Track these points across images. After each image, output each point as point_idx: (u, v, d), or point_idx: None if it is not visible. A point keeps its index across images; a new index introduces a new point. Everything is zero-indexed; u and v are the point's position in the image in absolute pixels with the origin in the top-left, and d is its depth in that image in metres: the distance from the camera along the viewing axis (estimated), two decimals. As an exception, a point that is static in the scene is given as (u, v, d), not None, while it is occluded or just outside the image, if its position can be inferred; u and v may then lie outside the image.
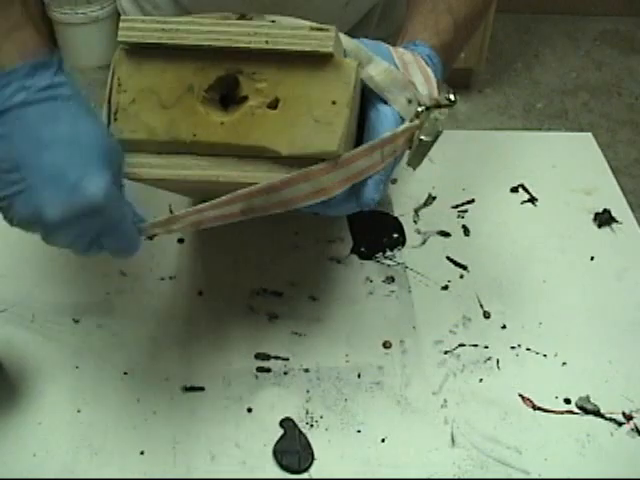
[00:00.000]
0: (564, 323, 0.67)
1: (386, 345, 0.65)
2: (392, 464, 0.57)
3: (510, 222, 0.78)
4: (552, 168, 0.86)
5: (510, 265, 0.73)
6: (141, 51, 0.52)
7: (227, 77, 0.52)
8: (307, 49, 0.50)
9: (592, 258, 0.74)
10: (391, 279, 0.71)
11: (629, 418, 0.60)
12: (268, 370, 0.63)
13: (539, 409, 0.61)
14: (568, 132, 0.99)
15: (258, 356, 0.64)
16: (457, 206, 0.80)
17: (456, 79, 2.35)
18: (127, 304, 0.68)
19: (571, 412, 0.61)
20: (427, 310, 0.68)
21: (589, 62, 2.62)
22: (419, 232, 0.76)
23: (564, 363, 0.64)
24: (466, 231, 0.77)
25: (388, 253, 0.74)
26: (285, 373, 0.62)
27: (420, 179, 0.82)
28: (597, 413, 0.60)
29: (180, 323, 0.66)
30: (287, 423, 0.59)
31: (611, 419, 0.60)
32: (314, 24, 0.51)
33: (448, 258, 0.74)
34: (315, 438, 0.58)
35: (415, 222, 0.78)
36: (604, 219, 0.78)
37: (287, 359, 0.64)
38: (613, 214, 0.78)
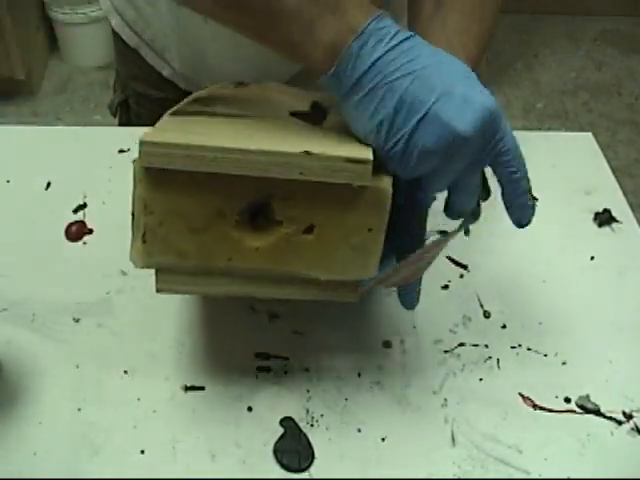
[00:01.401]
0: (564, 323, 0.67)
1: (386, 345, 0.65)
2: (392, 463, 0.57)
3: (510, 222, 0.78)
4: (552, 168, 0.86)
5: (510, 265, 0.73)
6: (164, 171, 0.49)
7: (259, 201, 0.50)
8: (343, 182, 0.48)
9: (592, 258, 0.74)
10: (391, 279, 0.71)
11: (629, 417, 0.60)
12: (268, 369, 0.63)
13: (539, 408, 0.61)
14: (568, 132, 0.99)
15: (258, 355, 0.64)
16: (457, 206, 0.80)
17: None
18: (127, 304, 0.68)
19: (571, 411, 0.61)
20: (427, 310, 0.68)
21: (589, 62, 2.62)
22: (419, 232, 0.76)
23: (564, 362, 0.64)
24: (466, 231, 0.77)
25: (388, 253, 0.74)
26: (285, 372, 0.63)
27: (420, 179, 0.82)
28: (597, 412, 0.60)
29: (180, 322, 0.66)
30: (287, 422, 0.59)
31: (611, 418, 0.60)
32: (350, 155, 0.48)
33: (448, 258, 0.74)
34: (315, 437, 0.58)
35: (415, 222, 0.78)
36: (604, 219, 0.78)
37: (287, 358, 0.64)
38: (613, 214, 0.78)
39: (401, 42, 0.49)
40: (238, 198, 0.50)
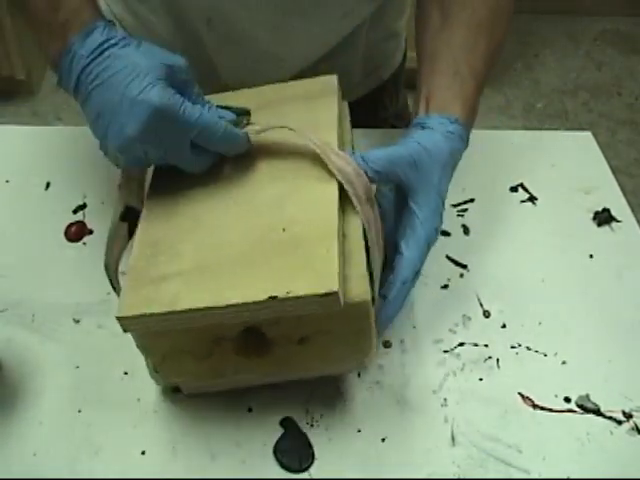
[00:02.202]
0: (564, 322, 0.67)
1: (386, 344, 0.65)
2: (392, 463, 0.57)
3: (510, 221, 0.78)
4: (552, 167, 0.86)
5: (510, 264, 0.73)
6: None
7: (250, 327, 0.52)
8: (315, 312, 0.49)
9: (591, 257, 0.74)
10: (391, 278, 0.71)
11: (629, 417, 0.60)
12: (268, 369, 0.63)
13: (539, 408, 0.61)
14: (568, 132, 0.99)
15: (258, 356, 0.64)
16: (457, 205, 0.80)
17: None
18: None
19: (571, 411, 0.61)
20: (427, 309, 0.68)
21: (589, 62, 2.62)
22: (419, 231, 0.76)
23: (564, 362, 0.64)
24: (466, 230, 0.77)
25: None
26: (285, 372, 0.63)
27: (420, 179, 0.82)
28: (597, 412, 0.60)
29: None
30: (287, 422, 0.59)
31: (611, 418, 0.60)
32: (317, 289, 0.47)
33: (448, 257, 0.74)
34: (315, 437, 0.58)
35: (415, 222, 0.78)
36: (603, 218, 0.78)
37: (287, 358, 0.64)
38: (612, 213, 0.78)
39: (102, 52, 0.55)
40: (228, 330, 0.52)
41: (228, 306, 0.48)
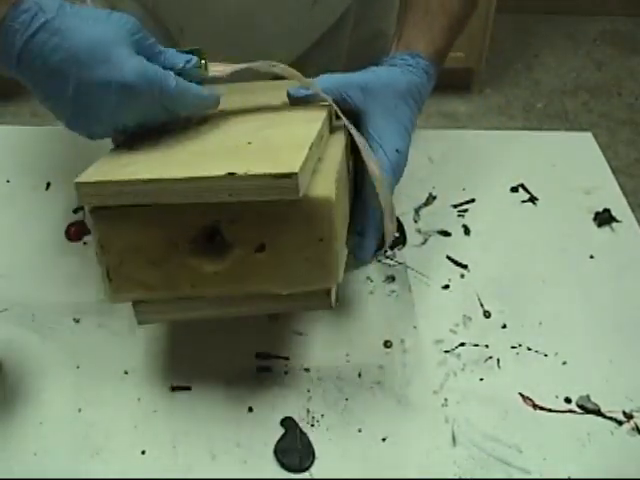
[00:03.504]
0: (564, 322, 0.67)
1: (387, 344, 0.65)
2: (393, 463, 0.57)
3: (510, 221, 0.78)
4: (552, 167, 0.86)
5: (510, 264, 0.73)
6: (110, 211, 0.50)
7: (208, 227, 0.50)
8: (273, 199, 0.46)
9: (592, 257, 0.74)
10: (391, 278, 0.71)
11: (629, 417, 0.60)
12: (269, 369, 0.63)
13: (539, 408, 0.61)
14: (568, 132, 0.99)
15: (259, 355, 0.64)
16: (457, 205, 0.80)
17: (456, 79, 2.35)
18: (127, 304, 0.67)
19: (571, 411, 0.61)
20: (428, 309, 0.68)
21: (589, 62, 2.62)
22: (419, 231, 0.77)
23: (564, 362, 0.64)
24: (466, 230, 0.77)
25: (388, 252, 0.74)
26: (286, 372, 0.63)
27: (420, 179, 0.82)
28: (597, 412, 0.60)
29: (180, 322, 0.66)
30: (288, 422, 0.59)
31: (611, 418, 0.60)
32: (276, 169, 0.45)
33: (448, 257, 0.74)
34: (316, 437, 0.58)
35: (415, 221, 0.78)
36: (604, 218, 0.78)
37: (288, 358, 0.64)
38: (613, 213, 0.79)
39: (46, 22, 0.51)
40: (186, 227, 0.50)
41: (186, 179, 0.46)
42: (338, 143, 0.58)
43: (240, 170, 0.46)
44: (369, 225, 0.58)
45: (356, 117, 0.62)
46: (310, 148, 0.49)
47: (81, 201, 0.49)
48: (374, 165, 0.54)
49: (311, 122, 0.55)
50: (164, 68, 0.52)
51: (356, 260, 0.59)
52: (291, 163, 0.46)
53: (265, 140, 0.52)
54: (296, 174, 0.45)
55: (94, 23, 0.51)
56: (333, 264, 0.51)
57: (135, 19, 0.53)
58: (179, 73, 0.53)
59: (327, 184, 0.50)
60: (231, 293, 0.53)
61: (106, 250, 0.51)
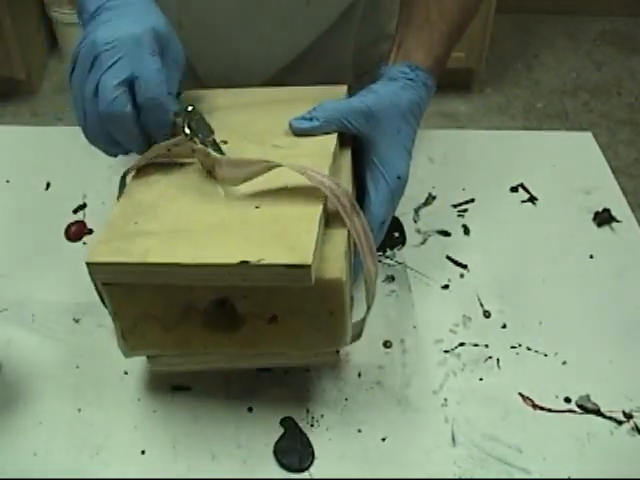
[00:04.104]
0: (564, 322, 0.67)
1: (386, 344, 0.65)
2: (392, 463, 0.57)
3: (510, 221, 0.78)
4: (552, 167, 0.86)
5: (510, 264, 0.73)
6: (123, 285, 0.51)
7: (219, 300, 0.51)
8: (285, 284, 0.47)
9: (592, 257, 0.74)
10: (391, 278, 0.71)
11: (629, 417, 0.60)
12: (269, 369, 0.63)
13: (539, 408, 0.61)
14: (568, 132, 0.99)
15: (258, 356, 0.64)
16: (457, 205, 0.80)
17: (456, 79, 2.35)
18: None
19: (571, 411, 0.61)
20: (427, 309, 0.68)
21: (589, 62, 2.62)
22: (419, 231, 0.77)
23: (564, 362, 0.64)
24: (466, 230, 0.77)
25: (388, 252, 0.74)
26: (285, 372, 0.62)
27: (420, 179, 0.82)
28: (597, 412, 0.60)
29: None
30: (288, 422, 0.59)
31: (611, 418, 0.60)
32: (289, 259, 0.46)
33: (448, 257, 0.74)
34: (316, 437, 0.58)
35: (415, 221, 0.78)
36: (604, 218, 0.78)
37: (287, 358, 0.64)
38: (613, 213, 0.78)
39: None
40: (198, 299, 0.51)
41: (198, 265, 0.47)
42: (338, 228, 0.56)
43: (253, 257, 0.46)
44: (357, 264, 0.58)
45: (359, 141, 0.62)
46: (319, 222, 0.50)
47: (93, 278, 0.50)
48: (371, 265, 0.54)
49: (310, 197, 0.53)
50: None
51: None
52: (304, 250, 0.46)
53: (273, 204, 0.52)
54: (309, 266, 0.45)
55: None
56: (342, 332, 0.53)
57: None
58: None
59: (337, 263, 0.50)
60: (243, 354, 0.56)
61: (120, 317, 0.53)
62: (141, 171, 0.58)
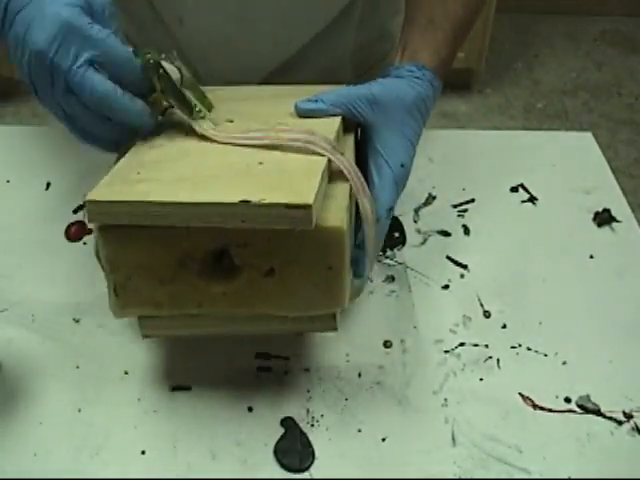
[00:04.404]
0: (564, 322, 0.67)
1: (387, 344, 0.65)
2: (392, 463, 0.57)
3: (510, 221, 0.78)
4: (552, 167, 0.86)
5: (510, 264, 0.73)
6: (120, 229, 0.50)
7: (217, 249, 0.50)
8: (285, 228, 0.46)
9: (592, 257, 0.74)
10: (391, 278, 0.71)
11: (629, 417, 0.60)
12: (269, 369, 0.63)
13: (539, 408, 0.61)
14: (568, 132, 0.99)
15: (259, 355, 0.64)
16: (457, 205, 0.80)
17: (456, 79, 2.35)
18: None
19: (571, 411, 0.61)
20: (427, 309, 0.68)
21: (589, 62, 2.62)
22: (419, 231, 0.77)
23: (564, 362, 0.64)
24: (466, 230, 0.77)
25: (388, 252, 0.74)
26: (286, 372, 0.63)
27: (420, 179, 0.82)
28: (597, 412, 0.60)
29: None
30: (288, 422, 0.59)
31: (611, 418, 0.60)
32: (290, 199, 0.45)
33: (448, 257, 0.74)
34: (316, 437, 0.58)
35: (415, 222, 0.78)
36: (604, 218, 0.78)
37: (288, 358, 0.64)
38: (613, 213, 0.79)
39: None
40: (195, 248, 0.50)
41: (198, 204, 0.46)
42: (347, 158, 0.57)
43: (254, 198, 0.45)
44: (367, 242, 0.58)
45: (363, 130, 0.62)
46: (322, 175, 0.49)
47: (90, 219, 0.49)
48: (367, 202, 0.54)
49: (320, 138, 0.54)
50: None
51: (353, 277, 0.58)
52: (305, 193, 0.46)
53: (277, 162, 0.51)
54: (310, 206, 0.45)
55: None
56: (340, 290, 0.52)
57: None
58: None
59: (338, 213, 0.50)
60: (237, 314, 0.53)
61: (114, 267, 0.51)
62: (145, 137, 0.58)
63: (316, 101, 0.59)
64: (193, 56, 0.79)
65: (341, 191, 0.53)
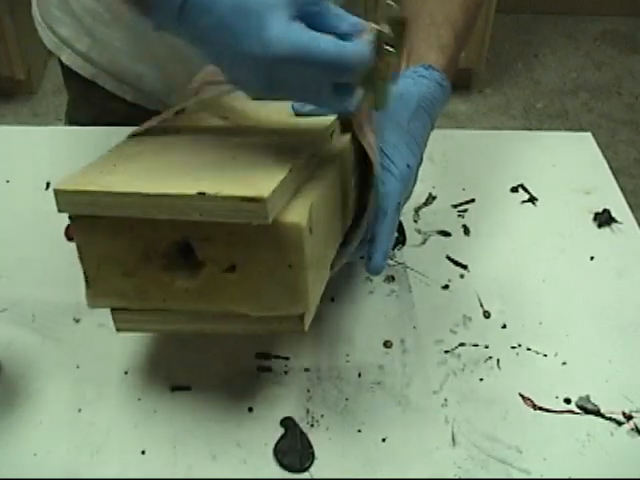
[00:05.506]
0: (564, 323, 0.67)
1: (387, 344, 0.65)
2: (392, 463, 0.57)
3: (510, 222, 0.78)
4: (552, 168, 0.86)
5: (510, 265, 0.73)
6: (88, 219, 0.50)
7: (179, 242, 0.50)
8: (243, 222, 0.46)
9: (592, 258, 0.74)
10: (391, 278, 0.71)
11: (629, 418, 0.60)
12: (269, 369, 0.63)
13: (539, 409, 0.61)
14: (568, 132, 0.99)
15: (259, 355, 0.64)
16: (457, 206, 0.80)
17: (456, 79, 2.35)
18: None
19: (571, 412, 0.61)
20: (427, 309, 0.68)
21: (589, 62, 2.62)
22: (419, 231, 0.77)
23: (564, 363, 0.64)
24: (466, 231, 0.77)
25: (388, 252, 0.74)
26: (286, 372, 0.63)
27: (420, 179, 0.81)
28: (597, 413, 0.60)
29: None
30: (288, 422, 0.59)
31: (611, 419, 0.60)
32: (246, 192, 0.45)
33: (448, 258, 0.74)
34: (316, 437, 0.58)
35: (415, 221, 0.78)
36: (604, 219, 0.78)
37: (288, 358, 0.64)
38: (613, 214, 0.79)
39: None
40: (158, 240, 0.50)
41: (157, 195, 0.46)
42: (338, 161, 0.57)
43: (211, 190, 0.45)
44: (380, 229, 0.57)
45: None
46: (290, 170, 0.49)
47: (59, 208, 0.49)
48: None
49: (305, 138, 0.55)
50: (324, 31, 0.45)
51: (369, 271, 0.58)
52: (264, 187, 0.45)
53: (250, 157, 0.51)
54: (264, 199, 0.44)
55: None
56: (303, 291, 0.50)
57: None
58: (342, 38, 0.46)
59: (300, 210, 0.49)
60: (201, 310, 0.53)
61: (85, 257, 0.52)
62: (137, 135, 0.59)
63: None
64: (195, 59, 0.79)
65: (316, 188, 0.52)
